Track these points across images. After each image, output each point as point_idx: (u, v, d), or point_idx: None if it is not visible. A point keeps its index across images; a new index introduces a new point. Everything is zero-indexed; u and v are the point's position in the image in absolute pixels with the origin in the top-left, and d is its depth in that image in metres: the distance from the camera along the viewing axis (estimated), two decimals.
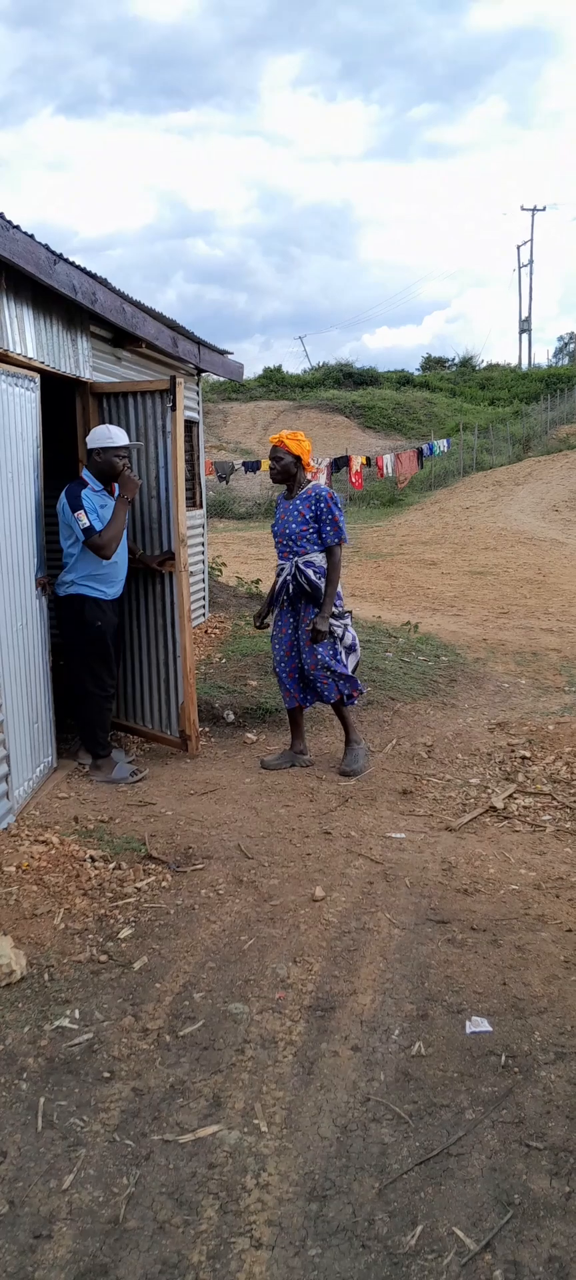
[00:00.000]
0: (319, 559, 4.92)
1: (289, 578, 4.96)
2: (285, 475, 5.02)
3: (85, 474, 4.96)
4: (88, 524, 4.72)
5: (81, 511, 4.74)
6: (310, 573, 4.90)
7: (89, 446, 5.00)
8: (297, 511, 4.94)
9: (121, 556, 5.00)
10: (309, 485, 5.03)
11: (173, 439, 5.11)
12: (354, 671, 5.10)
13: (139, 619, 5.46)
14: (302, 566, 4.91)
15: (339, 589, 5.01)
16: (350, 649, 5.09)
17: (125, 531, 5.00)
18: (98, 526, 4.78)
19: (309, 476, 5.12)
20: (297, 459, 4.98)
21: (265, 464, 26.81)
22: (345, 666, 5.03)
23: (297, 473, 5.01)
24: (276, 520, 5.09)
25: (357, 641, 5.19)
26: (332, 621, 4.94)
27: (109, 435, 4.93)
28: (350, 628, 5.12)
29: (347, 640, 5.07)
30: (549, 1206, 2.00)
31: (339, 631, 4.98)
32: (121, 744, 5.47)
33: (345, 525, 4.99)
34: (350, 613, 5.21)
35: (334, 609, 4.94)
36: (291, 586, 4.97)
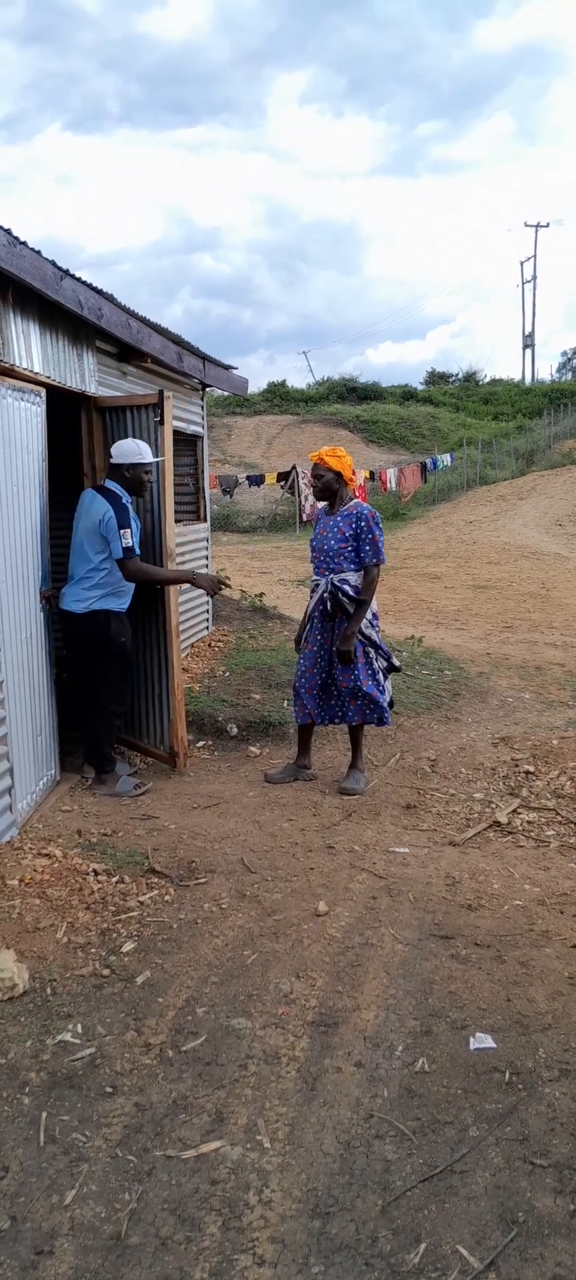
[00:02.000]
0: (354, 578, 4.87)
1: (326, 594, 4.92)
2: (327, 492, 4.98)
3: (115, 487, 4.92)
4: (130, 543, 4.75)
5: (128, 530, 4.75)
6: (346, 590, 4.86)
7: (116, 460, 4.98)
8: (337, 529, 4.91)
9: None
10: (351, 502, 4.99)
11: (161, 453, 5.12)
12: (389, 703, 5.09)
13: (134, 633, 5.47)
14: (337, 584, 4.87)
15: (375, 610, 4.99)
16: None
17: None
18: (137, 549, 4.84)
19: (354, 493, 5.11)
20: (339, 475, 4.94)
21: (270, 478, 26.90)
22: (383, 692, 4.99)
23: (340, 489, 4.97)
24: (315, 535, 5.04)
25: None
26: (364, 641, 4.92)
27: (139, 451, 4.96)
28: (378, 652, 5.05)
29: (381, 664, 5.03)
30: (553, 1225, 1.99)
31: (371, 654, 4.94)
32: (125, 757, 5.47)
33: (384, 546, 4.97)
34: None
35: (372, 635, 4.92)
36: (329, 604, 4.91)
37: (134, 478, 4.95)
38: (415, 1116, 2.35)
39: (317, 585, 4.98)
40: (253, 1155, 2.22)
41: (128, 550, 4.75)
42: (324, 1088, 2.46)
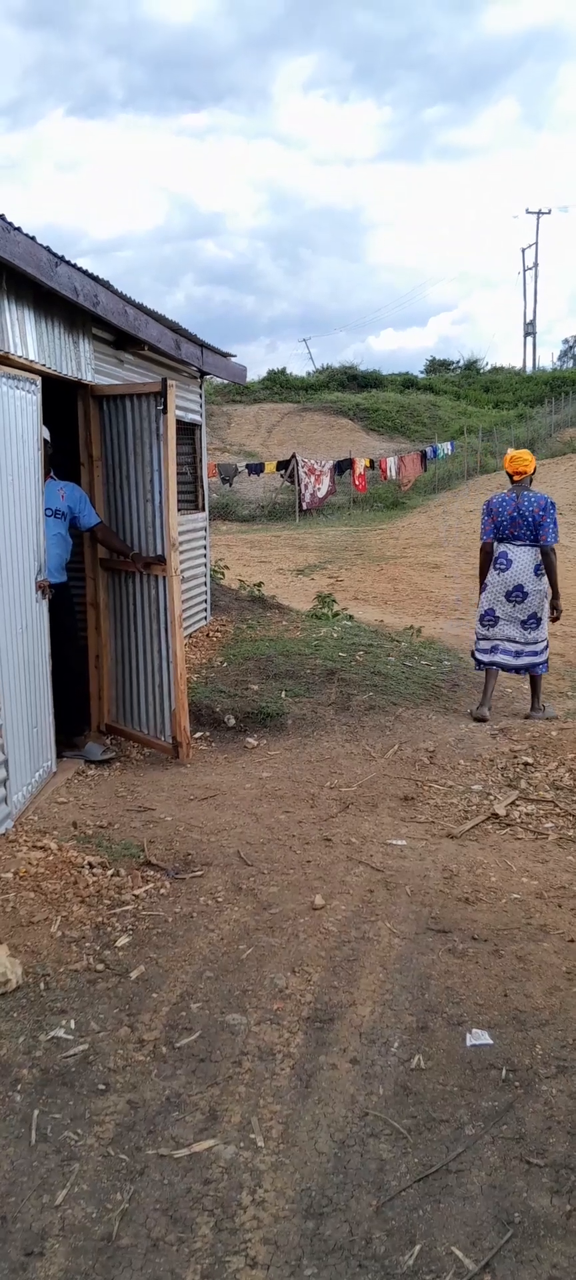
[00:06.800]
0: None
1: None
2: None
3: None
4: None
5: None
6: None
7: None
8: None
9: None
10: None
11: (164, 442, 5.07)
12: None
13: (133, 623, 5.44)
14: None
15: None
16: None
17: (56, 521, 5.15)
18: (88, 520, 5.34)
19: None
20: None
21: (269, 466, 26.88)
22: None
23: None
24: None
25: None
26: None
27: None
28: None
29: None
30: (549, 1225, 1.97)
31: None
32: (89, 740, 5.47)
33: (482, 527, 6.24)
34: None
35: None
36: None
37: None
38: (410, 1115, 2.32)
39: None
40: (246, 1154, 2.20)
41: None
42: (319, 1085, 2.44)
